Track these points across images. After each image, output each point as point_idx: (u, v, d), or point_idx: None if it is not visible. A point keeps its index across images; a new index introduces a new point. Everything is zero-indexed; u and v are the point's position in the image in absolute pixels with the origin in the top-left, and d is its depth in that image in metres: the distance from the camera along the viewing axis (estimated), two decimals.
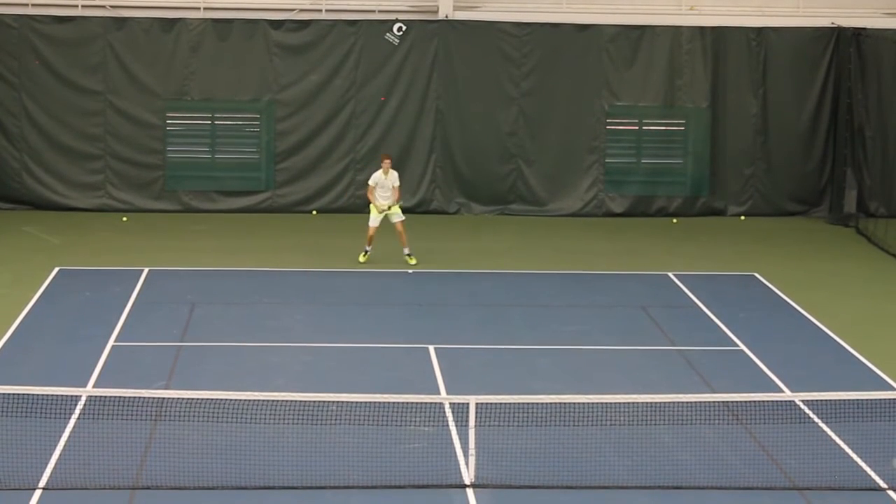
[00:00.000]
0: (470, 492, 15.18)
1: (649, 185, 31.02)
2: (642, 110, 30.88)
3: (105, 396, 16.51)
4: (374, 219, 25.39)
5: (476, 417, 15.46)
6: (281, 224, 29.16)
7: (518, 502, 15.09)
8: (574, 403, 16.26)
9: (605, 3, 30.89)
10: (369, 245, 25.56)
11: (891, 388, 19.11)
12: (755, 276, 25.34)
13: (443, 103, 30.47)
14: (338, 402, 16.26)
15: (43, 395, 15.91)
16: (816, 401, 17.14)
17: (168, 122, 30.18)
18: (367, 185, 25.59)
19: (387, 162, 25.39)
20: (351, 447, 16.07)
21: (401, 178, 29.84)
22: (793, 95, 30.97)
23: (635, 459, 16.11)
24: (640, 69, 30.65)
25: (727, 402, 17.25)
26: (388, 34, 30.21)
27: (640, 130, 31.16)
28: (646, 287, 24.56)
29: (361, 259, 25.61)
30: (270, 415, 16.26)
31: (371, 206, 25.47)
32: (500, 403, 16.08)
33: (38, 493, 14.91)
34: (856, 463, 16.16)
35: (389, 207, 25.31)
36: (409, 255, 25.60)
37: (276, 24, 30.08)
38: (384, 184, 25.32)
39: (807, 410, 17.44)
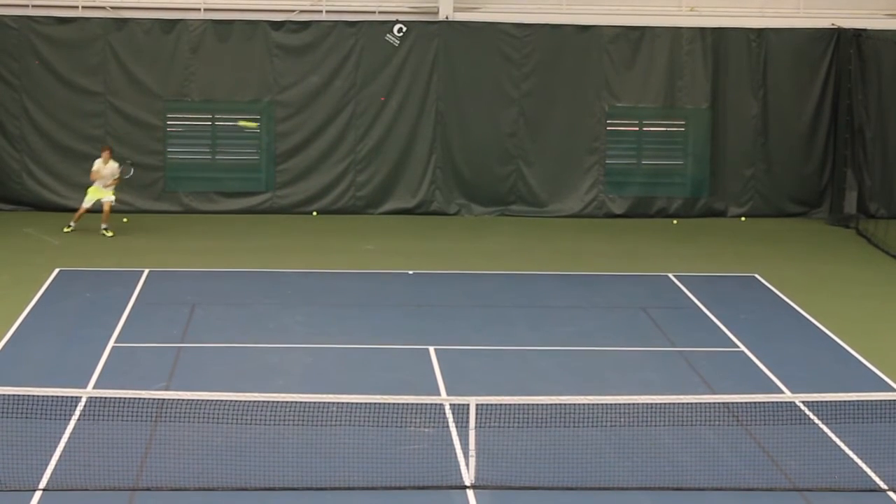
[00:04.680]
0: (470, 493, 15.18)
1: (649, 186, 31.01)
2: (642, 111, 30.87)
3: (105, 397, 16.52)
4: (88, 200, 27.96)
5: (476, 418, 15.46)
6: (281, 225, 29.17)
7: (518, 503, 15.10)
8: (574, 404, 16.26)
9: (605, 5, 30.88)
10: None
11: (891, 388, 19.10)
12: (755, 278, 25.33)
13: (443, 104, 30.45)
14: (338, 403, 16.26)
15: (43, 396, 15.92)
16: (817, 402, 17.14)
17: (168, 123, 30.18)
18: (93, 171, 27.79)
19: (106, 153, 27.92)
20: (351, 448, 16.07)
21: (401, 178, 30.03)
22: (793, 96, 30.97)
23: (635, 460, 16.11)
24: (641, 70, 30.64)
25: (727, 403, 17.26)
26: (388, 35, 30.20)
27: (640, 131, 31.15)
28: (646, 288, 24.55)
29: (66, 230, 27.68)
30: (271, 416, 16.27)
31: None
32: (501, 404, 16.08)
33: (38, 494, 14.91)
34: (856, 464, 16.16)
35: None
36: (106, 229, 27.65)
37: (277, 25, 30.08)
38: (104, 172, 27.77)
39: (807, 411, 17.44)
